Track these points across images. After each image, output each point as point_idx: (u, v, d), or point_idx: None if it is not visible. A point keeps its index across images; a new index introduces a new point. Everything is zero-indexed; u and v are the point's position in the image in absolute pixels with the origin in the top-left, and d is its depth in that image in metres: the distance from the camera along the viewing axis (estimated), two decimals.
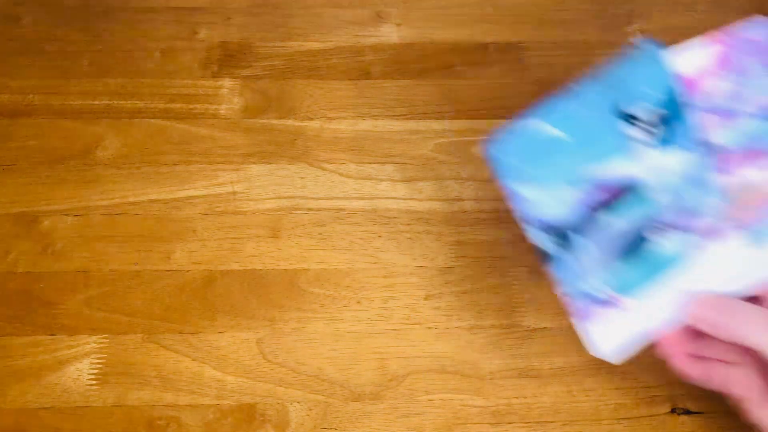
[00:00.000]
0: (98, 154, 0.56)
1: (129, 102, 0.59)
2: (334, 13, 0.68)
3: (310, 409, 0.44)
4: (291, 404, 0.44)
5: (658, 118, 0.34)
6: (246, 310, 0.48)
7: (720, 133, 0.35)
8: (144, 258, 0.50)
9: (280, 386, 0.45)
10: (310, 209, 0.53)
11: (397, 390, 0.45)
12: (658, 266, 0.36)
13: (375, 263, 0.50)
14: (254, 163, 0.56)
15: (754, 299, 0.37)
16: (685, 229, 0.36)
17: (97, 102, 0.59)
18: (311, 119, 0.59)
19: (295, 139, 0.58)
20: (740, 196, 0.36)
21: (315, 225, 0.52)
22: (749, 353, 0.38)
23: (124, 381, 0.45)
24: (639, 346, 0.38)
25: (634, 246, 0.36)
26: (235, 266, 0.50)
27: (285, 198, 0.54)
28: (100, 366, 0.45)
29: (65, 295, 0.48)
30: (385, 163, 0.56)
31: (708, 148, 0.35)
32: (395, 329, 0.48)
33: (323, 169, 0.56)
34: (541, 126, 0.32)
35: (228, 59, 0.63)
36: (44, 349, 0.46)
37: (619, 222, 0.35)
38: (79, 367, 0.45)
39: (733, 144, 0.36)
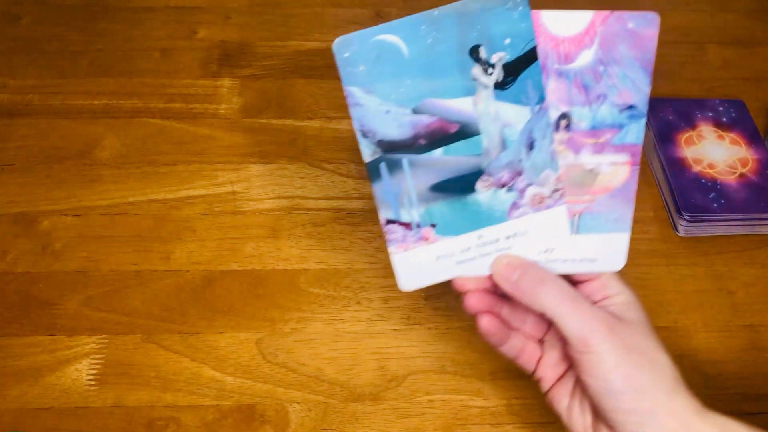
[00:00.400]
0: (97, 154, 0.56)
1: (128, 102, 0.59)
2: (334, 13, 0.68)
3: (310, 410, 0.44)
4: (290, 405, 0.44)
5: (509, 68, 0.34)
6: (245, 311, 0.48)
7: (570, 106, 0.35)
8: (143, 258, 0.50)
9: (280, 387, 0.45)
10: (309, 209, 0.53)
11: (397, 390, 0.45)
12: (477, 216, 0.36)
13: (375, 263, 0.50)
14: (254, 162, 0.56)
15: (570, 280, 0.37)
16: (512, 188, 0.36)
17: (96, 102, 0.59)
18: (311, 119, 0.59)
19: (295, 139, 0.58)
20: (573, 176, 0.36)
21: (315, 225, 0.52)
22: (554, 334, 0.39)
23: (123, 381, 0.44)
24: (436, 281, 0.38)
25: (458, 189, 0.36)
26: (234, 266, 0.50)
27: (284, 198, 0.54)
28: (100, 366, 0.45)
29: (64, 296, 0.48)
30: None
31: (552, 113, 0.35)
32: (395, 329, 0.47)
33: (323, 168, 0.56)
34: (392, 39, 0.33)
35: (227, 59, 0.63)
36: (43, 350, 0.45)
37: (446, 160, 0.35)
38: (78, 368, 0.45)
39: (580, 121, 0.35)
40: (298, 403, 0.44)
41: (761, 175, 0.54)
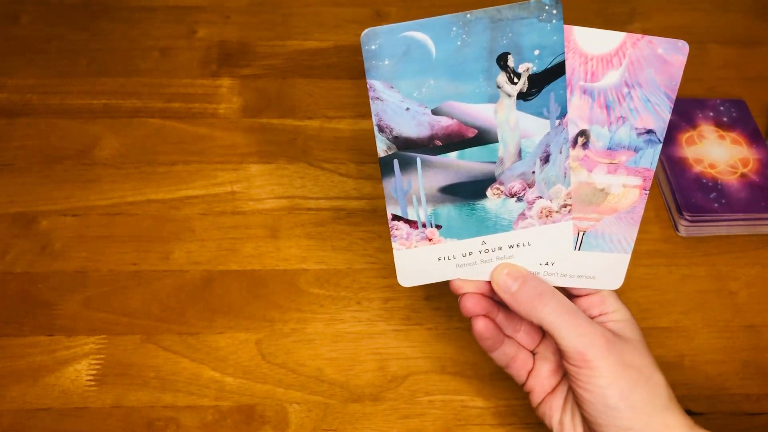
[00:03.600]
0: (96, 153, 0.55)
1: (127, 101, 0.59)
2: (333, 12, 0.68)
3: (310, 411, 0.44)
4: (290, 405, 0.44)
5: (535, 80, 0.33)
6: (245, 311, 0.48)
7: (590, 124, 0.35)
8: (142, 258, 0.50)
9: (280, 387, 0.45)
10: (309, 209, 0.53)
11: (397, 391, 0.45)
12: (484, 223, 0.36)
13: (375, 263, 0.50)
14: (253, 162, 0.56)
15: (568, 294, 0.38)
16: (521, 199, 0.36)
17: (95, 101, 0.59)
18: (311, 118, 0.59)
19: (295, 139, 0.58)
20: (583, 193, 0.36)
21: (314, 225, 0.52)
22: (547, 346, 0.39)
23: (122, 382, 0.44)
24: (434, 281, 0.38)
25: (468, 194, 0.36)
26: (234, 266, 0.50)
27: (284, 198, 0.54)
28: (99, 367, 0.45)
29: (63, 296, 0.48)
30: None
31: (571, 129, 0.35)
32: (395, 330, 0.47)
33: (323, 168, 0.56)
34: (421, 38, 0.32)
35: (227, 58, 0.63)
36: (42, 350, 0.45)
37: (460, 163, 0.35)
38: (77, 368, 0.45)
39: (598, 140, 0.35)
40: (297, 403, 0.44)
41: (762, 175, 0.54)
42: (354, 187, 0.54)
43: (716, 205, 0.51)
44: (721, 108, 0.58)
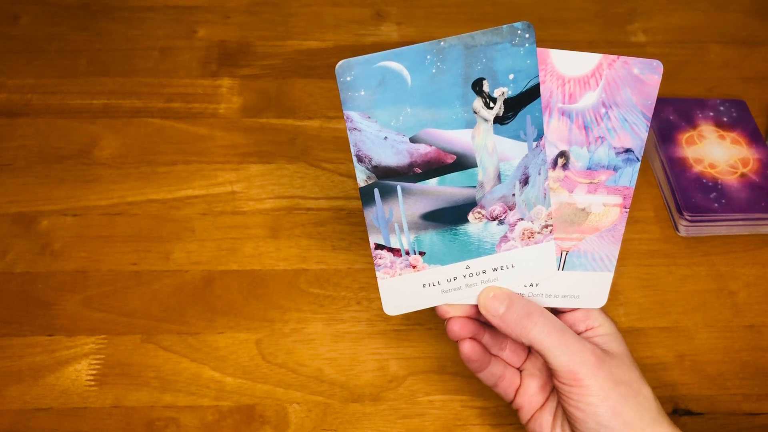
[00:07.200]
0: (96, 153, 0.55)
1: (127, 101, 0.59)
2: (333, 12, 0.68)
3: (310, 411, 0.44)
4: (290, 405, 0.44)
5: (510, 104, 0.34)
6: (245, 311, 0.48)
7: (569, 145, 0.35)
8: (142, 258, 0.50)
9: (280, 387, 0.45)
10: (309, 209, 0.53)
11: (397, 391, 0.45)
12: (467, 247, 0.37)
13: None
14: (253, 162, 0.56)
15: (553, 310, 0.38)
16: (503, 222, 0.36)
17: (95, 101, 0.59)
18: (311, 118, 0.59)
19: (295, 139, 0.58)
20: (565, 214, 0.37)
21: (314, 225, 0.52)
22: (534, 362, 0.39)
23: (122, 382, 0.44)
24: (420, 308, 0.38)
25: (450, 219, 0.36)
26: (234, 266, 0.50)
27: (284, 198, 0.54)
28: (99, 367, 0.45)
29: (63, 296, 0.48)
30: None
31: (551, 150, 0.35)
32: (395, 330, 0.47)
33: (323, 168, 0.56)
34: (396, 67, 0.33)
35: (227, 58, 0.63)
36: (42, 350, 0.45)
37: (440, 189, 0.35)
38: (77, 368, 0.45)
39: (577, 160, 0.36)
40: (297, 403, 0.44)
41: (762, 175, 0.54)
42: (354, 187, 0.54)
43: (716, 205, 0.51)
44: (721, 108, 0.58)
